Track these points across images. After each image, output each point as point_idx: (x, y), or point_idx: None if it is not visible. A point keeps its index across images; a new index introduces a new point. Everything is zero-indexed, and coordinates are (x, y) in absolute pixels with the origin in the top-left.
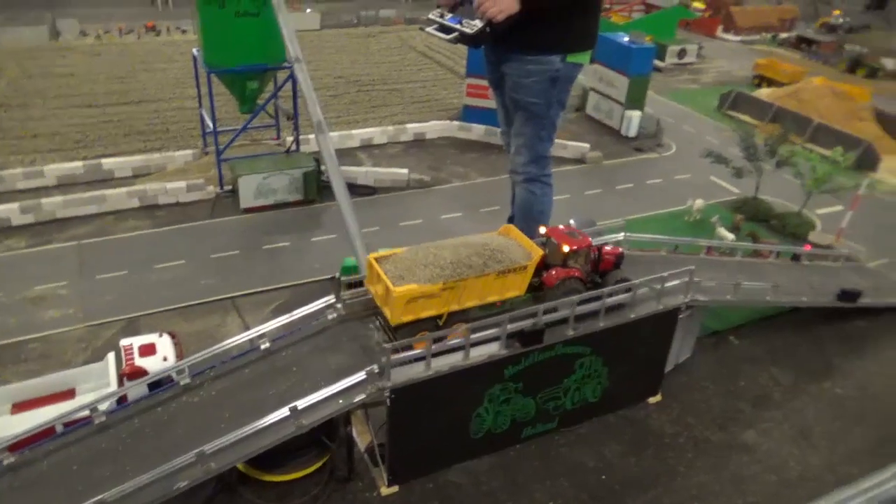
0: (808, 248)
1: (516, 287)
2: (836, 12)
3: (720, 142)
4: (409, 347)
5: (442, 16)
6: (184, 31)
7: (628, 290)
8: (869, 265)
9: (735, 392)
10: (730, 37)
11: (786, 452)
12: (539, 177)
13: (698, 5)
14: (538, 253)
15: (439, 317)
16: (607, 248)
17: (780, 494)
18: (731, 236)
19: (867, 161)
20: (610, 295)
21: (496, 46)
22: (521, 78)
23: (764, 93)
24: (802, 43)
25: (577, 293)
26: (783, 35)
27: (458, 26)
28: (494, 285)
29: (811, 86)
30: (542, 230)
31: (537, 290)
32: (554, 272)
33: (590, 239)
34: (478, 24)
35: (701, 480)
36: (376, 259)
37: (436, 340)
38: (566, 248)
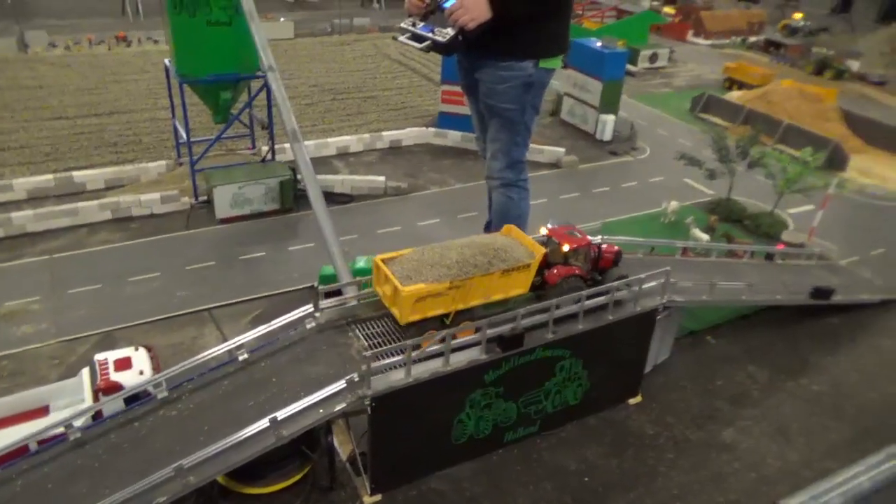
0: (781, 247)
1: (520, 285)
2: (798, 15)
3: (693, 144)
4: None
5: (414, 24)
6: (156, 42)
7: (606, 292)
8: (841, 263)
9: (713, 391)
10: (700, 41)
11: (764, 449)
12: (516, 182)
13: (669, 10)
14: (541, 251)
15: (446, 315)
16: (606, 246)
17: (760, 491)
18: (705, 237)
19: (836, 161)
20: (588, 298)
21: (469, 53)
22: (495, 84)
23: (734, 95)
24: (770, 46)
25: (578, 290)
26: (752, 39)
27: (430, 35)
28: (499, 283)
29: (780, 88)
30: (543, 230)
31: (539, 289)
32: (556, 270)
33: (589, 238)
34: (450, 32)
35: (681, 480)
36: (383, 260)
37: (442, 340)
38: (567, 247)
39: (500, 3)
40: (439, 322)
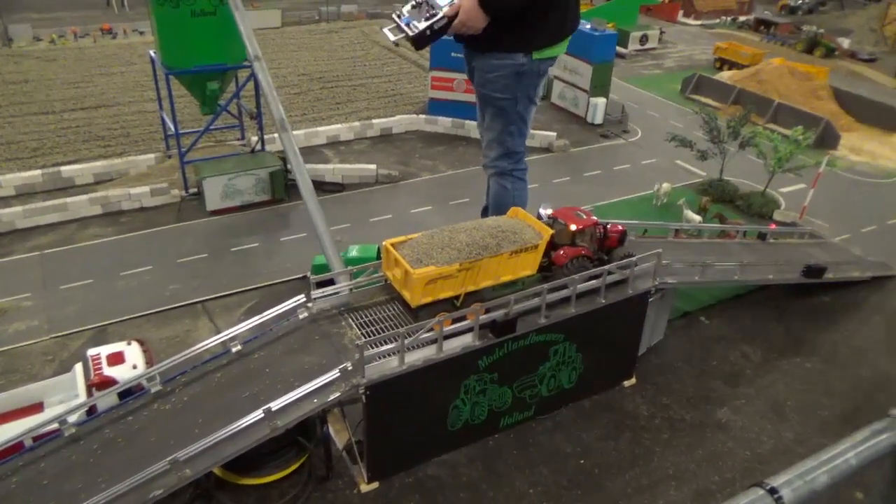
0: (773, 226)
1: (529, 266)
2: None
3: (684, 125)
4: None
5: (399, 16)
6: (141, 33)
7: (597, 276)
8: (832, 241)
9: (707, 371)
10: (690, 21)
11: (758, 428)
12: (511, 171)
13: None
14: (548, 232)
15: (456, 297)
16: (611, 226)
17: (754, 469)
18: (697, 218)
19: (828, 139)
20: (581, 281)
21: (466, 43)
22: (487, 73)
23: (725, 75)
24: (761, 25)
25: (585, 270)
26: (742, 18)
27: (405, 27)
28: (508, 265)
29: (771, 67)
30: (549, 211)
31: (547, 270)
32: (563, 251)
33: (595, 217)
34: (419, 27)
35: (677, 460)
36: (392, 245)
37: (457, 320)
38: (574, 228)
39: (494, 9)
40: (450, 304)
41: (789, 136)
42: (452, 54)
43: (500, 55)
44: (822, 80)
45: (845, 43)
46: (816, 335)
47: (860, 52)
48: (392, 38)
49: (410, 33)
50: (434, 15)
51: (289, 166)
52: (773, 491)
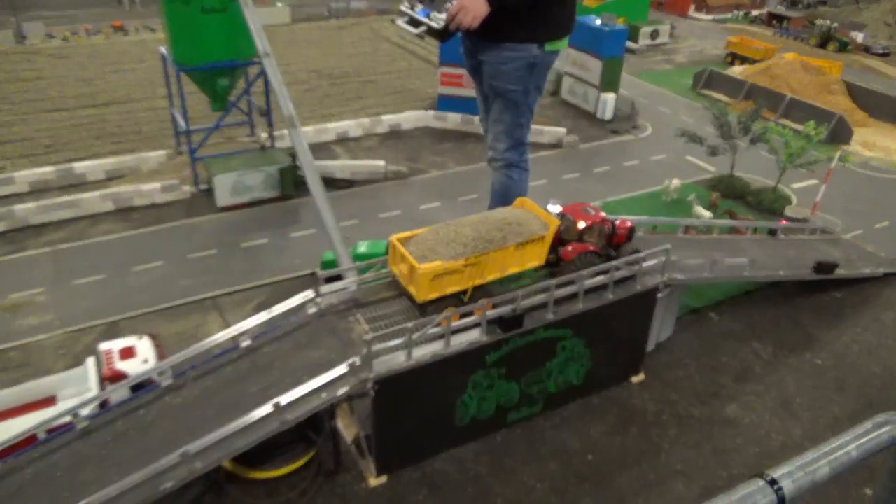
0: (783, 222)
1: (535, 257)
2: None
3: (695, 121)
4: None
5: (412, 7)
6: (153, 30)
7: (605, 272)
8: (844, 237)
9: (716, 367)
10: (702, 16)
11: (768, 424)
12: (518, 162)
13: None
14: (554, 223)
15: (464, 292)
16: (619, 222)
17: (762, 465)
18: (708, 214)
19: (840, 134)
20: (589, 277)
21: (472, 35)
22: (500, 65)
23: (737, 70)
24: (773, 19)
25: (592, 265)
26: (754, 12)
27: (425, 20)
28: (515, 257)
29: (783, 62)
30: (558, 208)
31: (555, 266)
32: (570, 247)
33: (603, 214)
34: (444, 18)
35: (685, 456)
36: (399, 240)
37: (464, 315)
38: (581, 224)
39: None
40: (457, 299)
41: (801, 131)
42: (462, 50)
43: (513, 46)
44: (835, 74)
45: (859, 37)
46: (827, 332)
47: (874, 47)
48: (414, 31)
49: (437, 25)
50: None
51: (298, 162)
52: (773, 482)
